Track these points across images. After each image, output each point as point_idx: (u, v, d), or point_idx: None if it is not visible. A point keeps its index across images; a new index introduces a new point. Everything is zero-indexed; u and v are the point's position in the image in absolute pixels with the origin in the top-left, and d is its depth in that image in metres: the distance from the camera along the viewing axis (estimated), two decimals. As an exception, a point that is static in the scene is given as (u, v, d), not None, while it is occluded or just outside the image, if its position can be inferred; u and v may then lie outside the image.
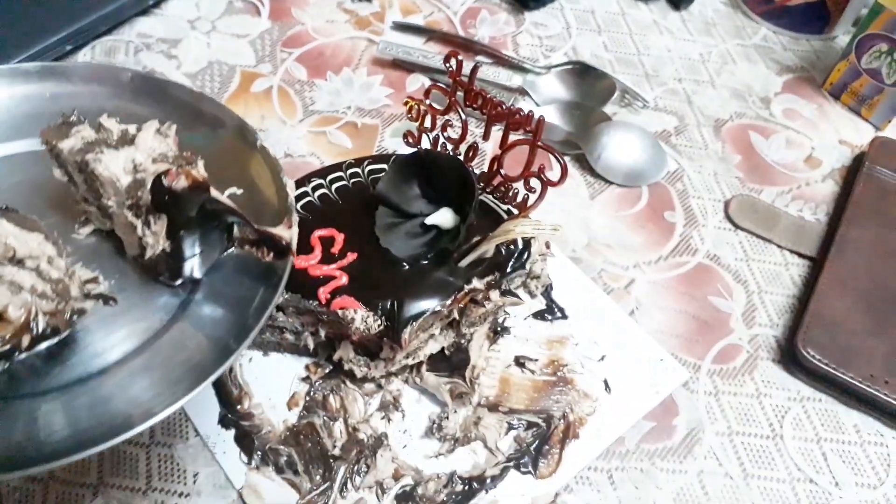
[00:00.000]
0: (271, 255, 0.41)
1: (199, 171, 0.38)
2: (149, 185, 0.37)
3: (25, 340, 0.37)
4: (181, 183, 0.37)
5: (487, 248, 0.44)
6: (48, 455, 0.33)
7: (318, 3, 0.68)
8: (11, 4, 0.62)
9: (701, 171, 0.59)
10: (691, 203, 0.57)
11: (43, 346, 0.38)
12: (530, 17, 0.69)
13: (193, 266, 0.42)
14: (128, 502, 0.43)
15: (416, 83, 0.63)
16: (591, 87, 0.63)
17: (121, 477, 0.44)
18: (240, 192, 0.44)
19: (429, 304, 0.43)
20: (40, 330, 0.37)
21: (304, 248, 0.44)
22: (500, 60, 0.65)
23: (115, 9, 0.64)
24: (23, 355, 0.37)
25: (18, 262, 0.36)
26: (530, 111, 0.42)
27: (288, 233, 0.41)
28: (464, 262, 0.44)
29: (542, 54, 0.66)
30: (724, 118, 0.63)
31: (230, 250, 0.42)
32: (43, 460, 0.32)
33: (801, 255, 0.55)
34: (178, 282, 0.41)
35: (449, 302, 0.43)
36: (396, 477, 0.44)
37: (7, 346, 0.36)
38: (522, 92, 0.63)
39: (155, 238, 0.40)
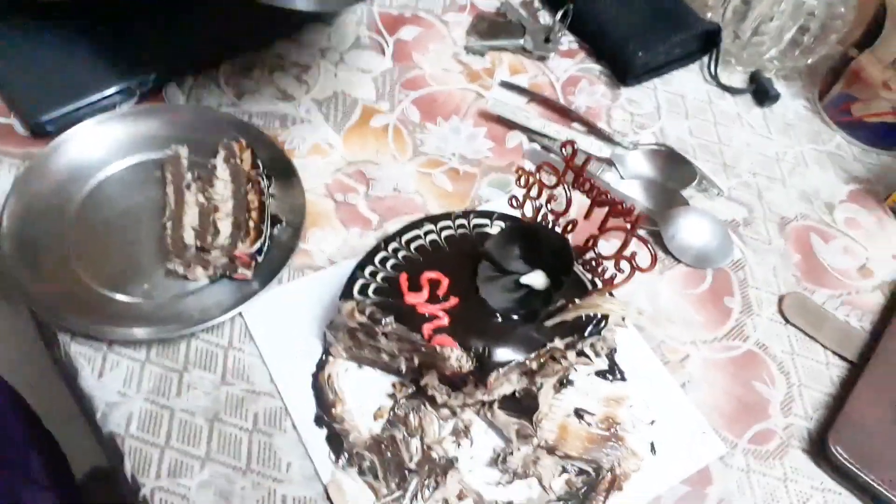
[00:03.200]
0: None
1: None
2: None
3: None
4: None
5: (571, 314, 0.51)
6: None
7: (437, 51, 0.75)
8: (177, 23, 0.70)
9: (762, 264, 0.65)
10: (749, 292, 0.63)
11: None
12: (626, 93, 0.75)
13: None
14: (229, 478, 0.50)
15: (515, 140, 0.70)
16: (673, 170, 0.69)
17: (225, 455, 0.51)
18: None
19: (515, 355, 0.49)
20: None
21: (415, 286, 0.51)
22: (593, 130, 0.71)
23: (259, 30, 0.72)
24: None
25: None
26: (632, 205, 0.48)
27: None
28: (549, 322, 0.51)
29: (632, 130, 0.73)
30: (790, 217, 0.69)
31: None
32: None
33: (842, 358, 0.60)
34: None
35: (532, 356, 0.50)
36: (461, 497, 0.50)
37: None
38: (609, 163, 0.69)
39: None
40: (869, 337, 0.61)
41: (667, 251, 0.64)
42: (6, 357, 1.20)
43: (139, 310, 0.56)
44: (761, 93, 0.76)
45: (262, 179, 0.61)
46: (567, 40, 0.79)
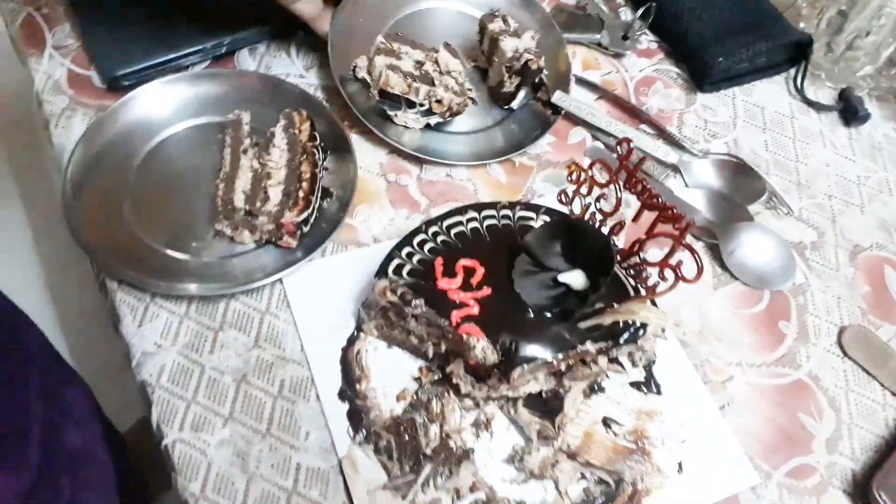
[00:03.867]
0: (549, 111, 0.68)
1: (541, 62, 0.65)
2: (522, 61, 0.64)
3: (447, 115, 0.64)
4: (535, 65, 0.64)
5: (607, 318, 0.49)
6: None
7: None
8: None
9: (826, 292, 0.61)
10: (808, 319, 0.59)
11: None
12: (701, 99, 0.72)
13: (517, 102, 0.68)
14: (248, 438, 0.51)
15: (578, 136, 0.68)
16: (741, 183, 0.65)
17: (247, 416, 0.52)
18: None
19: (543, 353, 0.48)
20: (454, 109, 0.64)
21: (450, 271, 0.51)
22: (662, 134, 0.69)
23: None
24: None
25: (448, 73, 0.64)
26: (683, 212, 0.45)
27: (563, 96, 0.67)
28: (583, 324, 0.49)
29: (703, 138, 0.70)
30: (864, 245, 0.64)
31: (532, 100, 0.69)
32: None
33: (902, 400, 0.56)
34: (508, 106, 0.68)
35: (561, 356, 0.48)
36: (473, 489, 0.49)
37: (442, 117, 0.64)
38: (675, 169, 0.66)
39: (511, 84, 0.67)
40: (935, 382, 0.57)
41: (724, 266, 0.61)
42: (78, 302, 1.28)
43: (185, 266, 0.58)
44: (850, 112, 0.71)
45: (318, 152, 0.62)
46: (646, 39, 0.76)
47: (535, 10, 0.74)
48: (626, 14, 0.77)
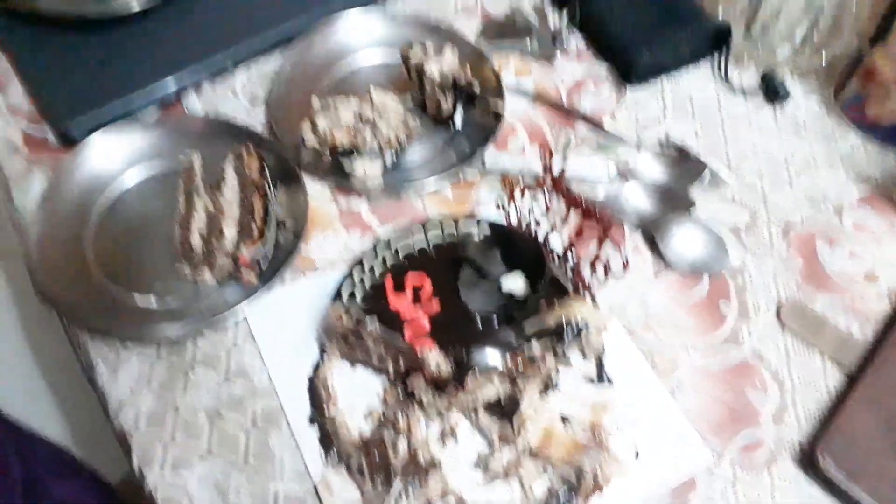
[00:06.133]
0: (492, 116, 0.70)
1: (468, 74, 0.68)
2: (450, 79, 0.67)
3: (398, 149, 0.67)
4: (463, 79, 0.67)
5: (551, 318, 0.52)
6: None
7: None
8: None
9: (762, 270, 0.64)
10: (747, 298, 0.63)
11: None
12: (631, 95, 0.75)
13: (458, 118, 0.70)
14: (226, 472, 0.53)
15: (517, 143, 0.71)
16: (680, 169, 0.68)
17: (224, 449, 0.54)
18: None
19: (492, 358, 0.51)
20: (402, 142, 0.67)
21: (399, 289, 0.53)
22: (598, 131, 0.71)
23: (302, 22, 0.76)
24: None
25: (385, 110, 0.67)
26: (605, 212, 0.48)
27: (501, 104, 0.70)
28: (529, 327, 0.52)
29: (636, 132, 0.72)
30: (795, 221, 0.67)
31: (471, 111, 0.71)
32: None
33: (840, 366, 0.59)
34: (452, 126, 0.71)
35: (509, 358, 0.51)
36: (443, 495, 0.52)
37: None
38: (617, 167, 0.69)
39: (447, 103, 0.69)
40: (870, 346, 0.60)
41: (661, 258, 0.64)
42: (54, 358, 1.28)
43: (151, 309, 0.60)
44: (771, 92, 0.75)
45: (268, 185, 0.64)
46: (575, 42, 0.79)
47: (440, 33, 0.76)
48: (555, 20, 0.80)
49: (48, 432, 0.77)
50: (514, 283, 0.52)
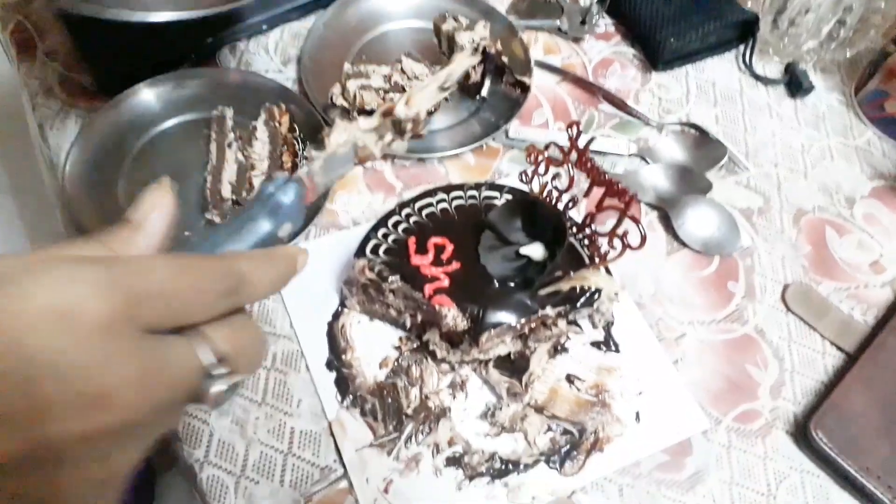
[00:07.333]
0: (518, 90, 0.71)
1: (498, 46, 0.69)
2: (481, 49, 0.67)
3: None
4: (493, 49, 0.68)
5: (565, 285, 0.54)
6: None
7: (474, 29, 0.78)
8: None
9: (771, 253, 0.66)
10: (755, 279, 0.65)
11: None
12: (656, 78, 0.77)
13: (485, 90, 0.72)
14: (246, 408, 0.56)
15: (541, 118, 0.73)
16: (701, 151, 0.70)
17: (245, 388, 0.57)
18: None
19: (507, 319, 0.53)
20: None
21: (422, 249, 0.56)
22: (622, 110, 0.73)
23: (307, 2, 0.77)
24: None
25: (416, 78, 0.70)
26: (627, 188, 0.51)
27: (529, 78, 0.71)
28: (543, 291, 0.54)
29: (658, 114, 0.74)
30: (807, 209, 0.69)
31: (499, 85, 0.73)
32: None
33: (839, 349, 0.62)
34: (480, 96, 0.72)
35: (523, 321, 0.54)
36: (451, 443, 0.55)
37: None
38: (637, 147, 0.71)
39: (476, 73, 0.71)
40: (870, 331, 0.62)
41: (675, 236, 0.66)
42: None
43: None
44: (795, 84, 0.76)
45: (298, 142, 0.66)
46: (604, 23, 0.81)
47: (474, 5, 0.78)
48: (584, 1, 0.82)
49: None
50: (533, 250, 0.54)
